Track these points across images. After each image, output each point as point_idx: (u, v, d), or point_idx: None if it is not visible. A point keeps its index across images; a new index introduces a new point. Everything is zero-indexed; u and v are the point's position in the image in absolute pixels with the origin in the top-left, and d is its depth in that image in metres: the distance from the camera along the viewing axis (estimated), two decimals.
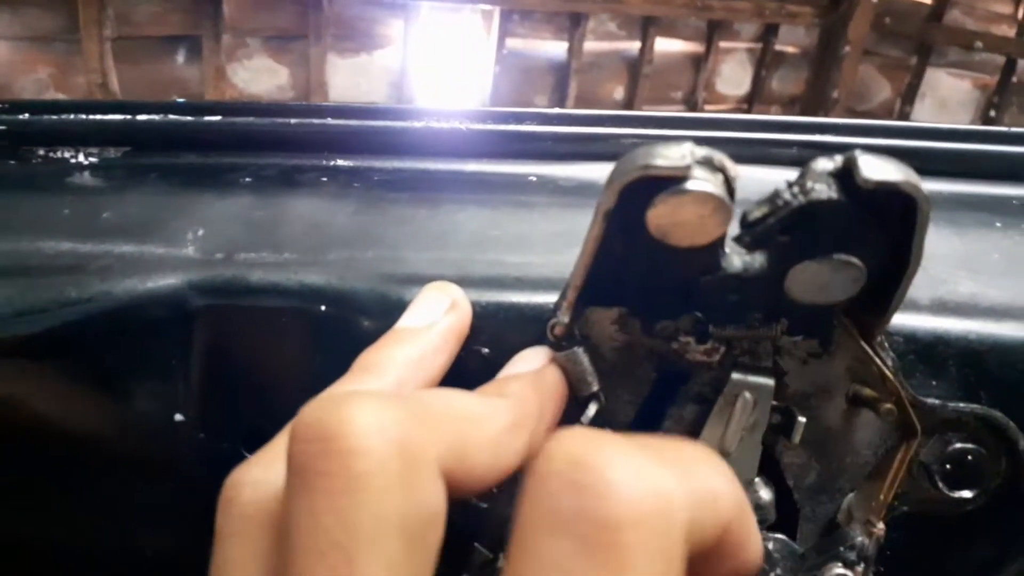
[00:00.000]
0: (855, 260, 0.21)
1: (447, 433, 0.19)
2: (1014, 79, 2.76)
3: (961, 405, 0.25)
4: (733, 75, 3.00)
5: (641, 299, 0.24)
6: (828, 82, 3.04)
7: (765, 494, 0.26)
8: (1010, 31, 2.76)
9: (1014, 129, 0.31)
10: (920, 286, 0.27)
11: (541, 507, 0.16)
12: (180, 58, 2.33)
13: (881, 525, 0.25)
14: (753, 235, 0.21)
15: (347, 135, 0.33)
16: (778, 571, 0.27)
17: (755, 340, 0.24)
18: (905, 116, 3.01)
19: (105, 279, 0.28)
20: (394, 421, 0.17)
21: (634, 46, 2.69)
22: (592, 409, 0.25)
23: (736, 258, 0.22)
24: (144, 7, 2.19)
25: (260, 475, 0.19)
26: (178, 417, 0.29)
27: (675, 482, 0.16)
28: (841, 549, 0.25)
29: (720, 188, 0.20)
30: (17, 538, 0.32)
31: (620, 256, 0.23)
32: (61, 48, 2.18)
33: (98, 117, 0.33)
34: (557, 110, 0.33)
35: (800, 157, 0.31)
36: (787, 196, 0.20)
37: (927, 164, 0.32)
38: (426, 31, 2.46)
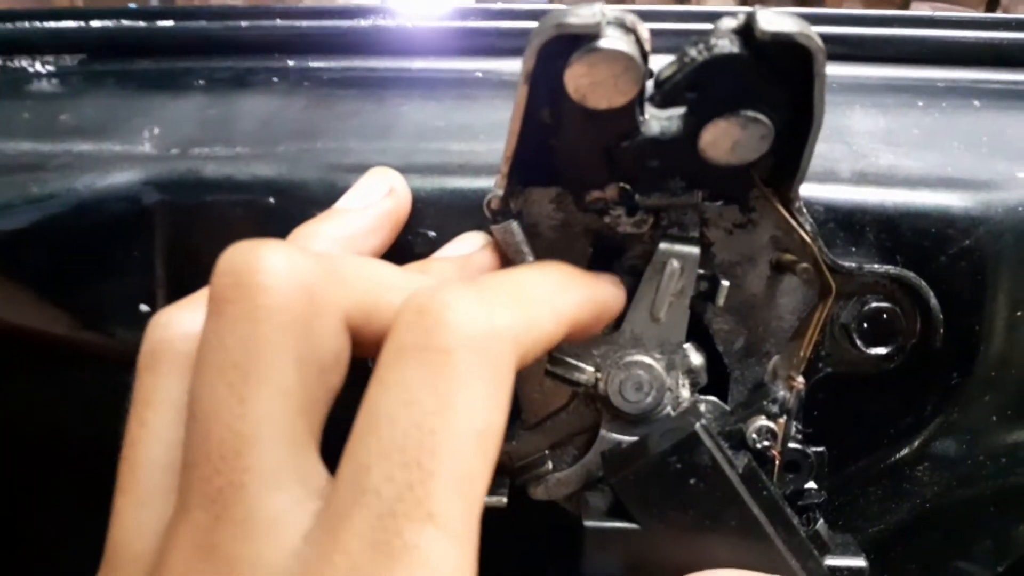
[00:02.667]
0: (761, 116, 0.22)
1: (357, 291, 0.21)
2: (999, 12, 2.73)
3: (877, 267, 0.27)
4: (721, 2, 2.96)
5: (571, 172, 0.26)
6: None
7: (696, 359, 0.28)
8: None
9: (939, 14, 0.32)
10: (841, 159, 0.29)
11: (393, 343, 0.18)
12: None
13: (801, 379, 0.27)
14: (663, 93, 0.22)
15: (297, 36, 0.34)
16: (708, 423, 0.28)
17: (680, 209, 0.26)
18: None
19: (65, 176, 0.30)
20: (304, 269, 0.19)
21: None
22: None
23: (654, 122, 0.23)
24: None
25: (177, 315, 0.22)
26: (143, 308, 0.30)
27: (505, 312, 0.19)
28: (764, 403, 0.27)
29: (632, 47, 0.21)
30: None
31: (548, 126, 0.24)
32: None
33: (52, 24, 0.34)
34: (500, 6, 0.33)
35: None
36: (693, 53, 0.21)
37: (857, 50, 0.33)
38: None
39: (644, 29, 0.22)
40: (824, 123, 0.22)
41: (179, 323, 0.21)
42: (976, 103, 0.31)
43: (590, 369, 0.27)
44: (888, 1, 2.95)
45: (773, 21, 0.20)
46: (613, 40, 0.21)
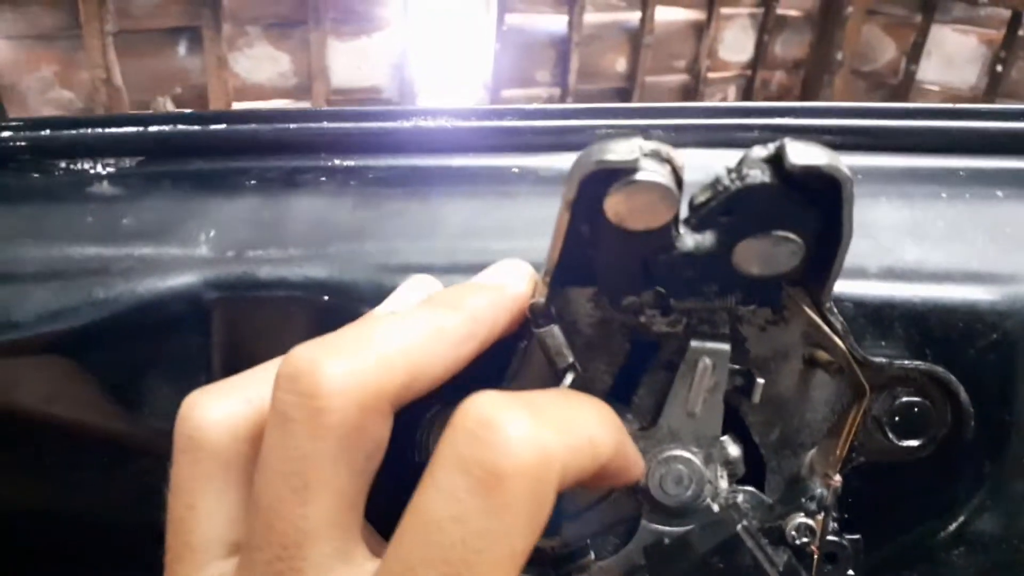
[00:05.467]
0: (792, 235, 0.23)
1: (399, 372, 0.23)
2: (1021, 32, 2.73)
3: (907, 362, 0.28)
4: (736, 41, 2.99)
5: (609, 278, 0.27)
6: (832, 44, 3.02)
7: (734, 450, 0.29)
8: None
9: (959, 106, 0.34)
10: (869, 255, 0.30)
11: (451, 451, 0.20)
12: (182, 49, 2.36)
13: (838, 477, 0.28)
14: (698, 217, 0.23)
15: (343, 136, 0.36)
16: (748, 520, 0.29)
17: (712, 310, 0.27)
18: (911, 75, 2.99)
19: (128, 279, 0.31)
20: (354, 382, 0.21)
21: (634, 16, 2.69)
22: (568, 379, 0.27)
23: (688, 238, 0.25)
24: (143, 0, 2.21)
25: (209, 402, 0.24)
26: None
27: (556, 439, 0.21)
28: (803, 500, 0.28)
29: (667, 177, 0.22)
30: (51, 520, 0.35)
31: (588, 240, 0.25)
32: (64, 45, 2.21)
33: (113, 130, 0.36)
34: (535, 106, 0.35)
35: (759, 140, 0.33)
36: (726, 182, 0.23)
37: (880, 140, 0.34)
38: (425, 10, 2.47)
39: (678, 157, 0.23)
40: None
41: (212, 411, 0.24)
42: (999, 193, 0.32)
43: None
44: (908, 26, 2.96)
45: (802, 153, 0.22)
46: (649, 173, 0.22)
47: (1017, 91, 2.79)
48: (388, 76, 2.56)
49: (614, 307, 0.28)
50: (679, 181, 0.23)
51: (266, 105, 2.46)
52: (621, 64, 2.79)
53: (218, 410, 0.24)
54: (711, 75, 2.94)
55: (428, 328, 0.24)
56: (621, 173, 0.22)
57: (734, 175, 0.23)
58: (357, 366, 0.22)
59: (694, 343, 0.27)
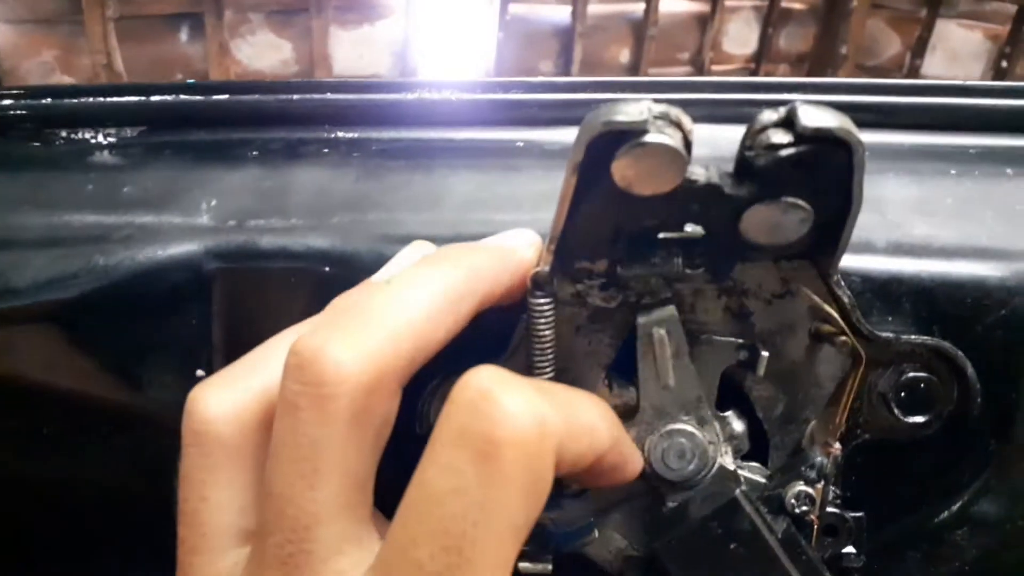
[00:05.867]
0: (801, 202, 0.23)
1: (405, 347, 0.22)
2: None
3: (914, 337, 0.28)
4: (739, 34, 2.97)
5: (573, 239, 0.26)
6: (836, 38, 3.00)
7: (738, 426, 0.29)
8: None
9: (970, 83, 0.33)
10: (877, 229, 0.30)
11: (451, 423, 0.20)
12: (183, 36, 2.34)
13: (838, 445, 0.27)
14: (708, 182, 0.23)
15: (346, 108, 0.35)
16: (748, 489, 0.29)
17: (650, 279, 0.27)
18: (915, 70, 2.98)
19: (128, 247, 0.31)
20: (360, 367, 0.21)
21: (638, 7, 2.67)
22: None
23: (695, 204, 0.24)
24: None
25: (215, 395, 0.24)
26: (199, 373, 0.31)
27: (554, 415, 0.21)
28: (803, 469, 0.28)
29: (676, 140, 0.22)
30: (50, 489, 0.35)
31: (593, 209, 0.25)
32: (65, 30, 2.20)
33: (115, 99, 0.36)
34: (541, 78, 0.35)
35: None
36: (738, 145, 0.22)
37: (890, 118, 0.34)
38: None
39: (688, 121, 0.23)
40: None
41: (219, 404, 0.24)
42: (1008, 171, 0.32)
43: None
44: (912, 20, 2.95)
45: (814, 116, 0.21)
46: (659, 135, 0.22)
47: None
48: (390, 65, 2.55)
49: (564, 270, 0.27)
50: (688, 145, 0.23)
51: None
52: (625, 55, 2.77)
53: (223, 402, 0.24)
54: (715, 67, 2.92)
55: (429, 293, 0.24)
56: (630, 135, 0.22)
57: (745, 136, 0.22)
58: (362, 349, 0.22)
59: (641, 319, 0.27)
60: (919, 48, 2.95)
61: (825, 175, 0.22)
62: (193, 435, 0.24)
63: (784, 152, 0.22)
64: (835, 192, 0.23)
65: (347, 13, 2.46)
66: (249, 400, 0.24)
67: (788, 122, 0.22)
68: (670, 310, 0.27)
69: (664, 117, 0.22)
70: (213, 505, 0.24)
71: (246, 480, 0.24)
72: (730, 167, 0.24)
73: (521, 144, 0.35)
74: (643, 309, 0.27)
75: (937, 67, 2.98)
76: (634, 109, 0.22)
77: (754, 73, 3.04)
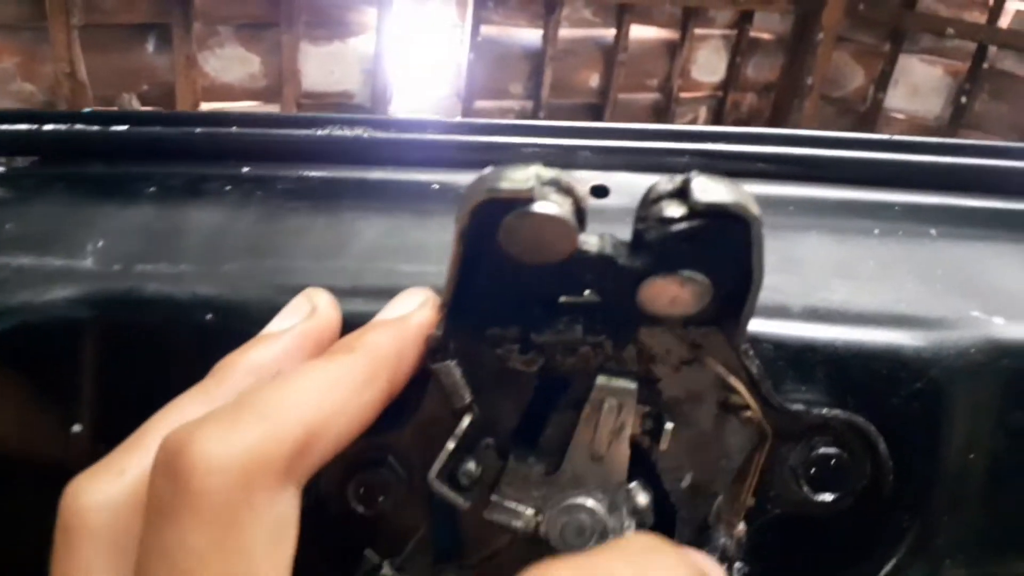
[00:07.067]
0: (699, 276, 0.22)
1: (289, 436, 0.20)
2: (985, 65, 2.78)
3: (825, 411, 0.26)
4: (708, 62, 3.00)
5: (480, 306, 0.25)
6: (803, 69, 3.05)
7: (642, 498, 0.27)
8: (981, 18, 2.78)
9: (896, 137, 0.32)
10: (793, 293, 0.28)
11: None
12: (150, 47, 2.31)
13: (742, 526, 0.26)
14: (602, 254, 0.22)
15: (252, 143, 0.33)
16: None
17: (617, 346, 0.25)
18: (878, 102, 3.03)
19: (2, 292, 0.29)
20: (235, 457, 0.19)
21: (609, 33, 2.69)
22: (465, 421, 0.25)
23: (590, 274, 0.23)
24: None
25: (88, 486, 0.22)
26: (76, 428, 0.29)
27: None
28: (706, 549, 0.26)
29: (565, 209, 0.21)
30: None
31: (488, 272, 0.24)
32: (28, 36, 2.15)
33: (5, 127, 0.34)
34: (458, 119, 0.33)
35: (690, 165, 0.31)
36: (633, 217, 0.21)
37: (815, 171, 0.33)
38: (400, 18, 2.45)
39: (581, 187, 0.21)
40: (778, 251, 0.22)
41: (91, 494, 0.21)
42: (932, 231, 0.31)
43: (529, 513, 0.27)
44: (876, 55, 3.01)
45: (708, 189, 0.20)
46: (545, 205, 0.20)
47: (980, 122, 2.84)
48: (360, 82, 2.53)
49: (475, 337, 0.26)
50: (580, 213, 0.21)
51: (235, 107, 2.42)
52: (594, 80, 2.79)
53: (96, 492, 0.22)
54: (683, 95, 2.95)
55: (320, 379, 0.22)
56: (515, 203, 0.20)
57: (641, 211, 0.21)
58: (235, 439, 0.20)
59: (599, 380, 0.26)
60: (882, 81, 3.01)
61: (722, 249, 0.21)
62: (62, 532, 0.21)
63: (676, 227, 0.20)
64: (734, 265, 0.22)
65: (318, 29, 2.44)
66: (125, 486, 0.21)
67: (682, 192, 0.21)
68: (631, 385, 0.26)
69: (554, 184, 0.21)
70: None
71: (120, 570, 0.21)
72: (628, 236, 0.22)
73: (436, 187, 0.33)
74: (605, 372, 0.26)
75: (899, 100, 3.04)
76: (521, 176, 0.20)
77: (722, 101, 3.07)
